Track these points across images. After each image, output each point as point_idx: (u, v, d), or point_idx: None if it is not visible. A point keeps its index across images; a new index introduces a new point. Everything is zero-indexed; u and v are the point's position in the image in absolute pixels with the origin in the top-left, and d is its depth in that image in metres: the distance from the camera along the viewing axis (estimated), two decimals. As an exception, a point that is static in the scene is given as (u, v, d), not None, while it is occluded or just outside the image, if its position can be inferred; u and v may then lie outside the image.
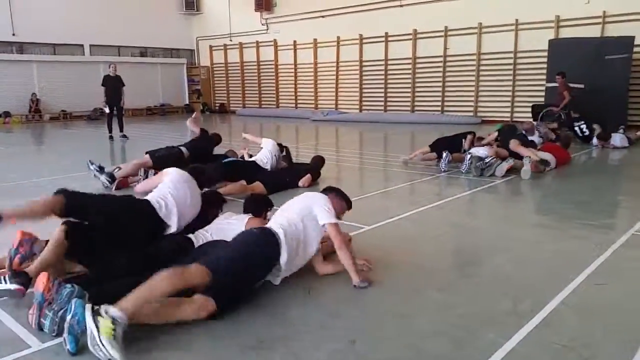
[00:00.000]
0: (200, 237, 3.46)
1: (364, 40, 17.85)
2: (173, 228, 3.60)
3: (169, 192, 3.68)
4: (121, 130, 12.50)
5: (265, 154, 6.63)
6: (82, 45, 20.52)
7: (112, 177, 6.15)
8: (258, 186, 5.74)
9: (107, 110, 12.27)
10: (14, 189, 6.32)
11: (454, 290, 3.17)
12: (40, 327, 2.59)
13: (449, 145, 7.70)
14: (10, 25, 18.44)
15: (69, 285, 2.64)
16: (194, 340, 2.56)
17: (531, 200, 6.16)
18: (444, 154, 7.30)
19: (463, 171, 6.96)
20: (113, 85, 12.26)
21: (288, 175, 6.29)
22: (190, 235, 3.49)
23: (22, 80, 18.99)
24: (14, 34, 18.60)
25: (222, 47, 22.74)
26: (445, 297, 3.05)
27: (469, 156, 6.99)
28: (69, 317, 2.41)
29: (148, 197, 3.71)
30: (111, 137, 12.30)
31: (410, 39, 16.59)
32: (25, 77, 19.10)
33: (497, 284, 3.25)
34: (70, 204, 3.22)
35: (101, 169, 6.25)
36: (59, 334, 2.49)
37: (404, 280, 3.32)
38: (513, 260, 3.71)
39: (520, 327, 2.62)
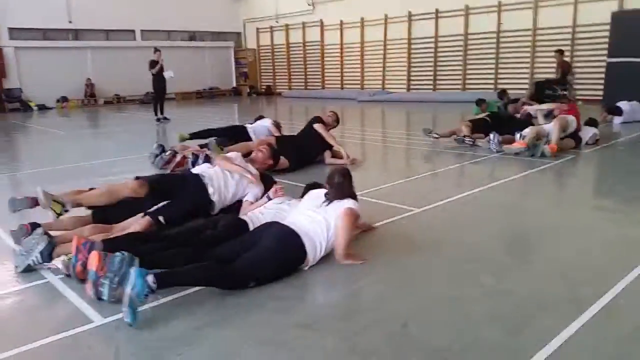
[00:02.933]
0: (255, 219, 3.51)
1: (413, 18, 17.41)
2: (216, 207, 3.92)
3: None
4: (160, 113, 13.08)
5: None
6: (133, 31, 21.07)
7: (162, 148, 6.59)
8: (283, 162, 5.94)
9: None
10: (74, 171, 6.61)
11: (508, 274, 3.08)
12: (98, 297, 2.73)
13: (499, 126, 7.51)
14: (66, 12, 19.14)
15: (118, 254, 2.74)
16: (245, 316, 2.61)
17: (590, 181, 5.88)
18: (491, 135, 7.07)
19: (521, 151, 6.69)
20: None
21: (306, 148, 6.52)
22: (245, 217, 3.55)
23: (78, 65, 19.73)
24: (70, 22, 19.31)
25: (268, 29, 22.77)
26: (500, 282, 2.96)
27: (518, 135, 6.78)
28: (128, 289, 2.47)
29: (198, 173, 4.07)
30: (165, 119, 12.85)
31: (462, 15, 16.04)
32: (81, 62, 19.85)
33: (555, 270, 3.12)
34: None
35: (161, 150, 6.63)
36: (118, 300, 2.61)
37: (455, 264, 3.25)
38: (572, 245, 3.56)
39: (579, 315, 2.51)
